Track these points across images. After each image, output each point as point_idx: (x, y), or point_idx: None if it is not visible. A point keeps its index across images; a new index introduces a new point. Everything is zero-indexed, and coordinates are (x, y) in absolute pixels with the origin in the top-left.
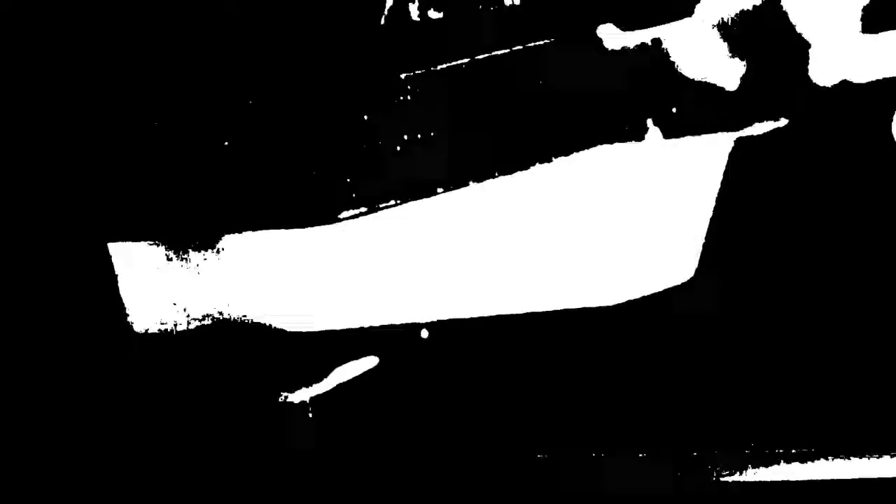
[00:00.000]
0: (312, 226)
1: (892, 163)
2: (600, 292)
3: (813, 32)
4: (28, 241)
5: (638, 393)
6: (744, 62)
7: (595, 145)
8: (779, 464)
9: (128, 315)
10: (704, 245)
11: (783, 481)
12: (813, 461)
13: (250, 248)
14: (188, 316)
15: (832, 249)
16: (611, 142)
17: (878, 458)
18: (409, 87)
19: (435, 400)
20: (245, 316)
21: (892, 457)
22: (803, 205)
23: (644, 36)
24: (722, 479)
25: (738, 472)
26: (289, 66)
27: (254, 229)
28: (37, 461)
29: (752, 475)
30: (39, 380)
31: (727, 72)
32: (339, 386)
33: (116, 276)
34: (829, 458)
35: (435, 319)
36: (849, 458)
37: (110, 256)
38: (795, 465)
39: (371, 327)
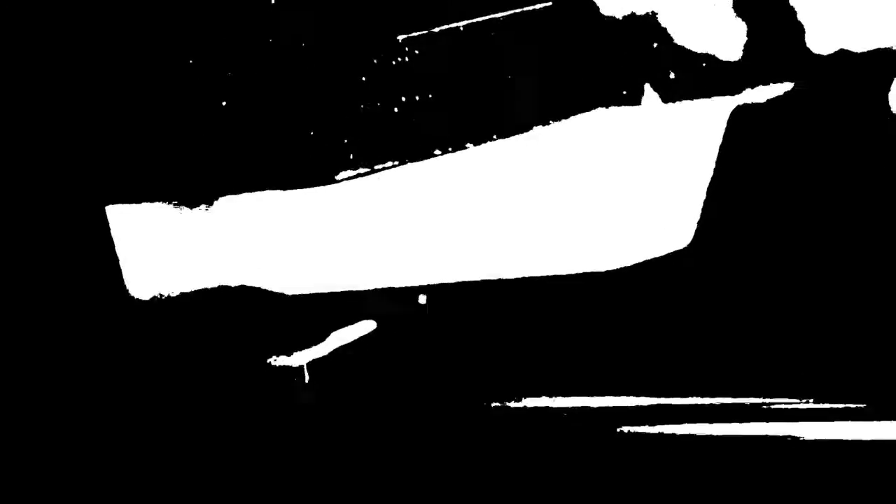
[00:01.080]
0: (310, 187)
1: (889, 131)
2: (598, 257)
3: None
4: (27, 205)
5: (632, 358)
6: (743, 28)
7: (593, 109)
8: (771, 419)
9: (125, 276)
10: (702, 211)
11: (777, 436)
12: (807, 419)
13: (248, 209)
14: (185, 278)
15: (830, 215)
16: (608, 105)
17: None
18: (407, 49)
19: (432, 364)
20: (242, 278)
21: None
22: (801, 170)
23: (643, 2)
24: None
25: (727, 422)
26: (286, 29)
27: (252, 191)
28: (35, 422)
29: (743, 428)
30: (37, 341)
31: (726, 37)
32: (337, 350)
33: (113, 238)
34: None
35: (433, 283)
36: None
37: (107, 218)
38: (792, 421)
39: (368, 291)
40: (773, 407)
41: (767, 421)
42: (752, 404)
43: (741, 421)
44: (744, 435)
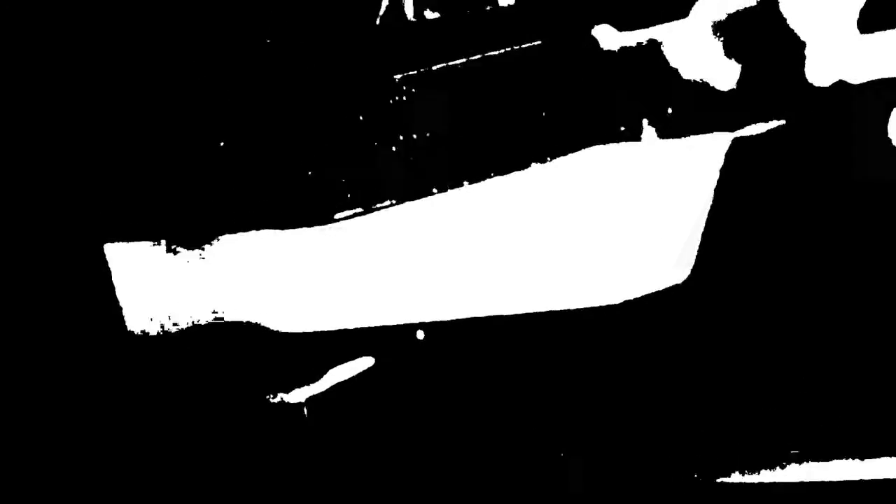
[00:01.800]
0: (308, 226)
1: (890, 164)
2: (596, 293)
3: (809, 33)
4: (25, 243)
5: (633, 394)
6: (740, 63)
7: (591, 145)
8: (778, 465)
9: (123, 315)
10: (701, 246)
11: (783, 483)
12: (812, 462)
13: (246, 248)
14: (183, 316)
15: (828, 250)
16: (606, 142)
17: (877, 459)
18: (404, 88)
19: (431, 401)
20: (240, 316)
21: (890, 457)
22: (800, 205)
23: (640, 37)
24: (719, 480)
25: (736, 474)
26: (284, 67)
27: (249, 230)
28: (32, 459)
29: (752, 477)
30: (35, 379)
31: (723, 72)
32: (335, 387)
33: (112, 277)
34: (829, 459)
35: (431, 320)
36: (847, 459)
37: (106, 257)
38: (794, 466)
39: (367, 328)
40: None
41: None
42: (751, 446)
43: (750, 465)
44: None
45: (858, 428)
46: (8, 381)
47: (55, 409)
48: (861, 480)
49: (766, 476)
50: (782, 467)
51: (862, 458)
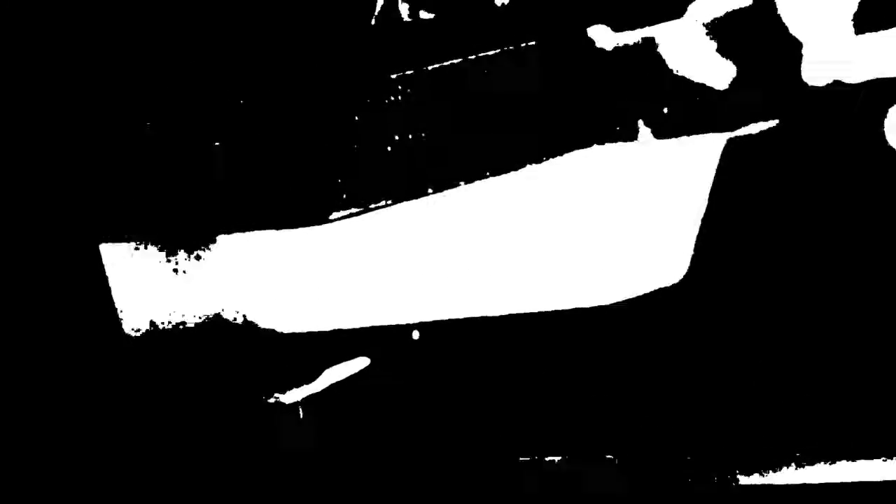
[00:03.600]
0: (304, 226)
1: (885, 164)
2: (592, 293)
3: (805, 33)
4: (21, 243)
5: (629, 394)
6: (735, 63)
7: (586, 145)
8: (778, 466)
9: (119, 316)
10: (696, 245)
11: (782, 484)
12: (811, 464)
13: (241, 248)
14: (179, 316)
15: (824, 250)
16: (602, 142)
17: (876, 460)
18: (399, 88)
19: (426, 401)
20: (236, 316)
21: (887, 460)
22: (795, 205)
23: (635, 37)
24: (717, 480)
25: (733, 474)
26: (280, 68)
27: (245, 230)
28: (29, 460)
29: (748, 478)
30: (31, 380)
31: (719, 72)
32: (331, 387)
33: (107, 276)
34: (827, 461)
35: (426, 320)
36: (848, 461)
37: (101, 257)
38: (793, 467)
39: (362, 328)
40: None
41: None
42: (748, 442)
43: (745, 465)
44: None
45: (858, 428)
46: (4, 382)
47: (51, 410)
48: (861, 482)
49: (764, 477)
50: (781, 468)
51: (861, 459)
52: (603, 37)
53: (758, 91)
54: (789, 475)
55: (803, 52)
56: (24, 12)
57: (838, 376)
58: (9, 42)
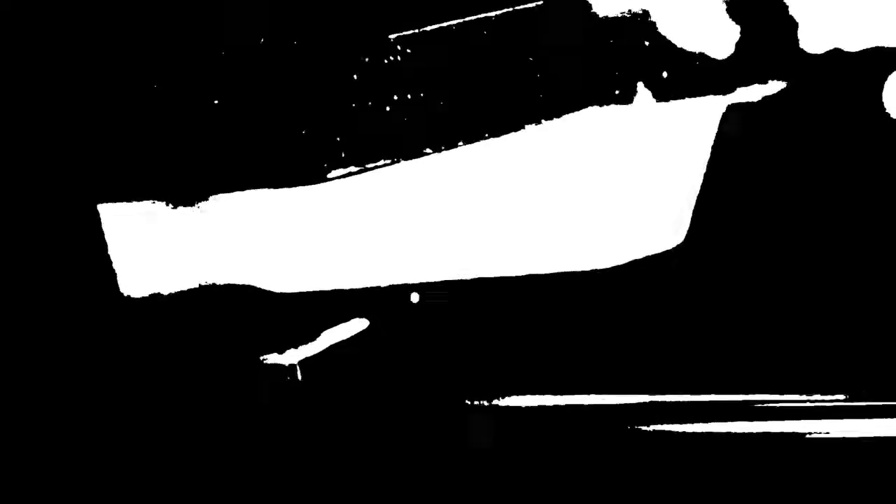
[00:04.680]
0: (302, 185)
1: (883, 130)
2: (591, 256)
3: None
4: (17, 204)
5: (627, 355)
6: (736, 27)
7: (585, 107)
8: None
9: (116, 275)
10: (695, 210)
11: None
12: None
13: (240, 207)
14: (177, 277)
15: (823, 214)
16: (601, 104)
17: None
18: (398, 48)
19: (424, 364)
20: (234, 276)
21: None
22: (794, 170)
23: (636, 0)
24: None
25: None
26: (278, 27)
27: (243, 189)
28: (28, 421)
29: (740, 426)
30: (28, 341)
31: (719, 36)
32: (329, 348)
33: (105, 236)
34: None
35: (425, 281)
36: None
37: (99, 217)
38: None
39: (361, 289)
40: (768, 405)
41: (763, 419)
42: (745, 401)
43: (737, 419)
44: (739, 433)
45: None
46: (1, 345)
47: (49, 373)
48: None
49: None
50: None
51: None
52: (603, 0)
53: (758, 56)
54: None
55: (804, 18)
56: None
57: (837, 340)
58: (7, 10)
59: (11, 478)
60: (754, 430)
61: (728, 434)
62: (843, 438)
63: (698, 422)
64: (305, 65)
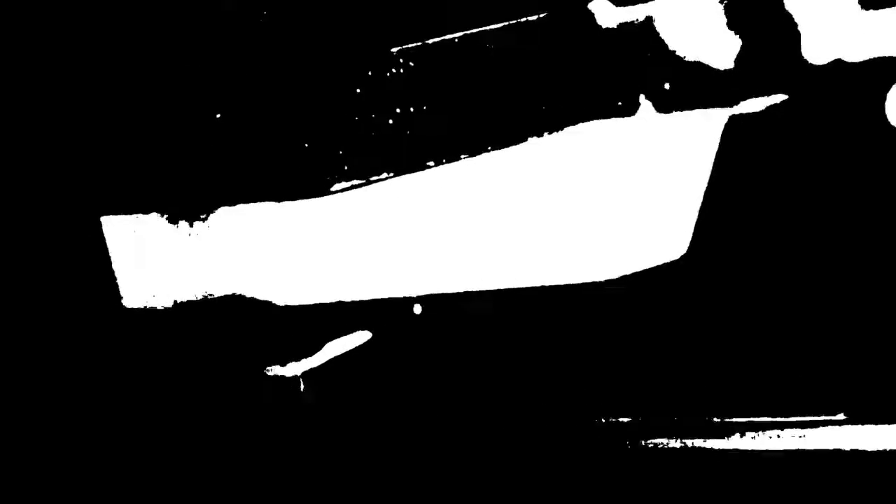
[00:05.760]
0: (305, 198)
1: (885, 142)
2: (594, 268)
3: (808, 10)
4: (21, 216)
5: (630, 368)
6: (738, 39)
7: (588, 120)
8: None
9: (119, 287)
10: (698, 221)
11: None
12: (812, 428)
13: (243, 220)
14: (180, 289)
15: (826, 226)
16: (603, 117)
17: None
18: (401, 61)
19: (427, 376)
20: (237, 289)
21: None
22: (797, 181)
23: (637, 12)
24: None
25: (729, 438)
26: (281, 40)
27: (246, 201)
28: (29, 432)
29: (746, 443)
30: (30, 354)
31: (721, 48)
32: (332, 361)
33: (108, 249)
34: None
35: (428, 294)
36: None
37: (102, 230)
38: (796, 434)
39: (363, 302)
40: (769, 420)
41: (763, 432)
42: (747, 416)
43: (736, 433)
44: (742, 450)
45: (856, 406)
46: (3, 354)
47: (52, 384)
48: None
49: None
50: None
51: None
52: (604, 11)
53: (760, 68)
54: (788, 441)
55: (806, 29)
56: None
57: (840, 359)
58: (7, 10)
59: (14, 485)
60: (755, 448)
61: (732, 451)
62: (847, 452)
63: (699, 438)
64: (308, 78)
